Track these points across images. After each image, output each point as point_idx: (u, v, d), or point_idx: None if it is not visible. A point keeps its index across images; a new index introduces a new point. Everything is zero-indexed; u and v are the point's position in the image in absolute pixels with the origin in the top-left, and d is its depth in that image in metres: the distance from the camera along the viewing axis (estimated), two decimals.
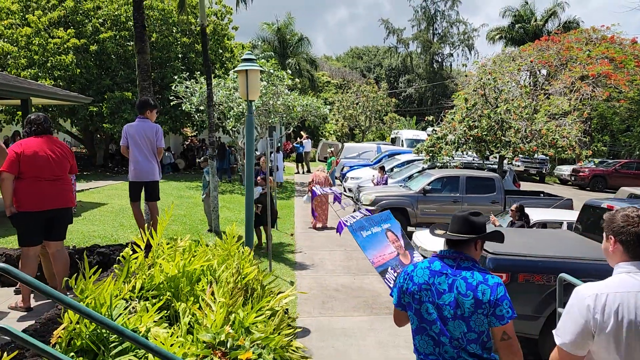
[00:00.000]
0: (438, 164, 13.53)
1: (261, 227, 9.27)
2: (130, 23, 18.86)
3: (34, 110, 16.84)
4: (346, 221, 5.13)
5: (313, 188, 11.60)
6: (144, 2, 19.05)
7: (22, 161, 4.38)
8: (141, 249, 3.41)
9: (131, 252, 3.26)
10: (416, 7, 50.77)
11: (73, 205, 4.82)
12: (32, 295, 4.47)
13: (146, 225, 5.96)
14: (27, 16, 18.05)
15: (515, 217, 7.91)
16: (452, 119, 13.90)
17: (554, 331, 2.09)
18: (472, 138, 12.92)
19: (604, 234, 2.18)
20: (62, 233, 4.72)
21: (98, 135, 22.35)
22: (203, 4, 9.55)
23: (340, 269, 8.57)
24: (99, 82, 18.60)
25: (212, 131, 10.15)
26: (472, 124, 13.03)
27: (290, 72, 17.39)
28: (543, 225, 7.63)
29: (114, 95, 17.84)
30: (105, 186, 15.82)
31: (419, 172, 13.19)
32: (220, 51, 21.64)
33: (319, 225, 11.93)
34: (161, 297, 3.00)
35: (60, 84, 17.14)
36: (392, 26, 50.82)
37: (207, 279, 3.26)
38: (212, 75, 15.99)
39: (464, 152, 14.00)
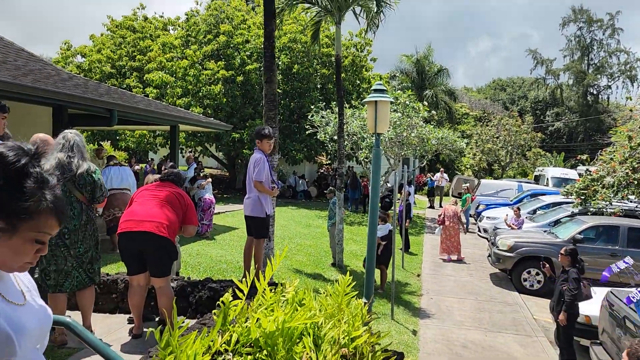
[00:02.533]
0: (591, 209, 11.88)
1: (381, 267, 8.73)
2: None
3: (183, 135, 18.30)
4: (633, 297, 4.63)
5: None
6: (289, 36, 20.05)
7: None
8: (244, 294, 3.12)
9: (231, 298, 2.99)
10: (569, 36, 47.21)
11: (164, 234, 4.25)
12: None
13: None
14: (185, 50, 19.84)
15: (566, 263, 6.39)
16: (612, 158, 12.18)
17: None
18: (636, 182, 11.15)
19: None
20: (157, 268, 4.32)
21: (239, 160, 23.65)
22: (339, 35, 9.51)
23: (470, 322, 7.70)
24: (243, 111, 19.70)
25: (342, 162, 9.96)
26: (637, 166, 11.26)
27: (427, 103, 16.82)
28: None
29: (255, 123, 18.72)
30: (241, 210, 16.46)
31: (568, 217, 11.68)
32: (358, 82, 21.80)
33: (453, 257, 11.88)
34: (256, 356, 2.66)
35: (209, 111, 18.43)
36: (541, 56, 47.82)
37: (310, 338, 2.85)
38: (348, 106, 16.04)
39: (625, 198, 12.15)
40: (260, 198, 5.76)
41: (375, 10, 9.64)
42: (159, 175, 4.72)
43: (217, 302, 3.01)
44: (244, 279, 3.35)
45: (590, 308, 6.51)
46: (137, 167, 17.29)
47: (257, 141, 5.76)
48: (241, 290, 3.13)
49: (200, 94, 18.60)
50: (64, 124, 7.63)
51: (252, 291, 3.47)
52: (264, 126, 5.98)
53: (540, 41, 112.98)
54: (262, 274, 3.26)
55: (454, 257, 11.91)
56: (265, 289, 3.17)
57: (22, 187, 1.29)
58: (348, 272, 3.73)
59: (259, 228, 5.83)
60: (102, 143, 20.38)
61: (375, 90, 5.63)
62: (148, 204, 4.35)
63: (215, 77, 18.88)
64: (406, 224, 12.03)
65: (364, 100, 5.79)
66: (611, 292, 5.73)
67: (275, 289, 3.46)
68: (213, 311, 3.06)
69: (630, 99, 37.86)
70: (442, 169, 24.32)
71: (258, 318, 2.76)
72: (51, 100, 7.12)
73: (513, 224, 12.04)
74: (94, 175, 4.16)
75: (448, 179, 24.94)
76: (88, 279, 4.16)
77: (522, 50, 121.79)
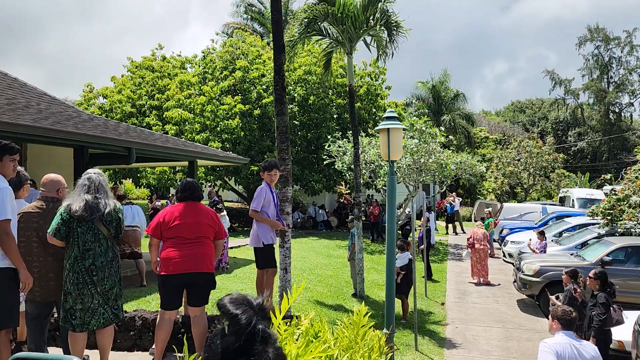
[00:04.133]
0: (619, 230, 11.56)
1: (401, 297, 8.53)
2: (290, 88, 20.10)
3: (202, 170, 18.52)
4: None
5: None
6: (304, 68, 20.33)
7: (162, 225, 4.57)
8: None
9: None
10: (587, 55, 46.82)
11: (211, 270, 4.65)
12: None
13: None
14: (202, 87, 20.26)
15: (595, 287, 6.09)
16: (637, 177, 11.90)
17: None
18: None
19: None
20: (201, 299, 4.59)
21: None
22: (351, 65, 9.62)
23: (498, 351, 7.45)
24: (261, 143, 19.89)
25: (358, 191, 9.91)
26: None
27: (444, 128, 16.81)
28: None
29: (273, 155, 18.85)
30: None
31: (595, 238, 11.37)
32: (374, 110, 21.89)
33: (481, 279, 11.90)
34: None
35: (227, 145, 18.65)
36: (559, 77, 47.43)
37: None
38: (365, 134, 16.08)
39: None
40: (257, 228, 5.81)
41: (387, 40, 9.72)
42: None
43: None
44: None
45: (624, 333, 6.26)
46: (158, 204, 17.44)
47: (261, 173, 5.96)
48: None
49: (219, 128, 18.87)
50: (85, 164, 7.79)
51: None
52: (269, 158, 6.13)
53: (556, 61, 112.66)
54: (277, 307, 3.22)
55: (482, 280, 11.92)
56: (280, 323, 3.12)
57: (252, 348, 1.36)
58: (363, 303, 3.66)
59: (258, 258, 5.90)
60: (123, 181, 20.74)
61: (387, 118, 5.63)
62: (189, 242, 4.51)
63: (233, 111, 19.16)
64: (421, 248, 11.82)
65: (376, 128, 5.80)
66: None
67: (290, 322, 3.40)
68: None
69: None
70: (453, 193, 24.02)
71: None
72: (71, 141, 7.29)
73: (536, 248, 11.77)
74: (118, 213, 4.32)
75: (460, 200, 24.70)
76: (113, 315, 4.21)
77: (539, 71, 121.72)
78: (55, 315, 4.60)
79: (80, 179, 4.25)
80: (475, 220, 24.83)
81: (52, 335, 4.73)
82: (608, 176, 14.11)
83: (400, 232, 15.65)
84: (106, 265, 4.13)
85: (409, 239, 9.57)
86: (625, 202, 11.61)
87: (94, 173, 4.27)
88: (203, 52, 22.98)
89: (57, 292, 4.17)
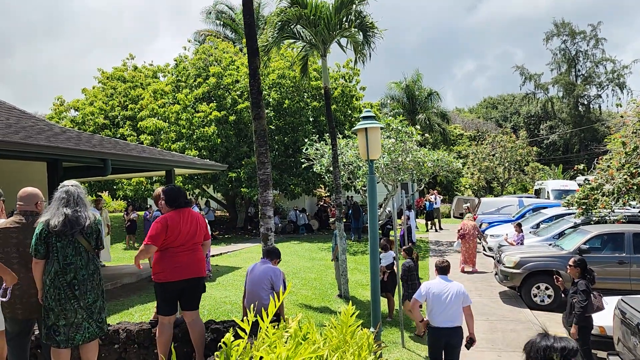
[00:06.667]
0: (594, 219, 11.80)
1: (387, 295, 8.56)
2: (265, 92, 20.03)
3: (180, 179, 18.32)
4: None
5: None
6: (277, 72, 20.32)
7: (166, 235, 4.42)
8: (245, 333, 3.04)
9: (233, 338, 2.91)
10: (554, 50, 47.81)
11: (204, 274, 4.73)
12: None
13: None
14: (177, 95, 20.06)
15: (575, 275, 6.22)
16: (609, 166, 12.16)
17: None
18: (636, 187, 11.10)
19: None
20: (195, 303, 4.63)
21: (239, 200, 23.60)
22: (326, 67, 9.65)
23: (483, 343, 7.53)
24: (238, 150, 19.79)
25: (339, 193, 9.93)
26: (634, 171, 11.23)
27: (420, 127, 16.99)
28: None
29: (250, 161, 18.78)
30: (242, 249, 16.34)
31: (571, 228, 11.60)
32: (349, 112, 21.97)
33: (468, 269, 12.49)
34: None
35: (204, 153, 18.50)
36: (528, 72, 48.33)
37: None
38: (342, 136, 16.13)
39: (626, 204, 12.08)
40: None
41: (362, 41, 9.75)
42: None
43: (219, 344, 2.93)
44: (245, 317, 3.29)
45: (604, 318, 6.38)
46: (134, 216, 17.16)
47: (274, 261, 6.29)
48: (243, 330, 3.06)
49: (194, 136, 18.72)
50: (60, 177, 7.63)
51: (255, 329, 3.39)
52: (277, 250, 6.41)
53: (525, 57, 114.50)
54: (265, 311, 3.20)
55: (469, 269, 12.50)
56: (268, 326, 3.10)
57: None
58: (350, 302, 3.66)
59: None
60: (100, 194, 20.38)
61: (365, 117, 5.65)
62: (189, 249, 4.54)
63: (208, 118, 19.03)
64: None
65: (354, 129, 5.82)
66: (622, 300, 5.62)
67: (278, 324, 3.38)
68: (215, 353, 2.98)
69: (620, 106, 38.17)
70: (435, 191, 24.22)
71: (261, 356, 2.68)
72: (44, 155, 7.15)
73: (513, 241, 11.98)
74: (98, 225, 4.24)
75: (441, 197, 24.97)
76: (98, 329, 4.12)
77: (508, 68, 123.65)
78: (37, 332, 4.50)
79: (57, 192, 4.12)
80: (455, 217, 25.13)
81: (34, 354, 4.62)
82: (581, 166, 14.35)
83: (381, 231, 15.72)
84: (88, 279, 4.04)
85: (391, 237, 9.64)
86: (599, 191, 11.85)
87: (72, 185, 4.16)
88: (175, 60, 22.79)
89: (40, 309, 4.07)
